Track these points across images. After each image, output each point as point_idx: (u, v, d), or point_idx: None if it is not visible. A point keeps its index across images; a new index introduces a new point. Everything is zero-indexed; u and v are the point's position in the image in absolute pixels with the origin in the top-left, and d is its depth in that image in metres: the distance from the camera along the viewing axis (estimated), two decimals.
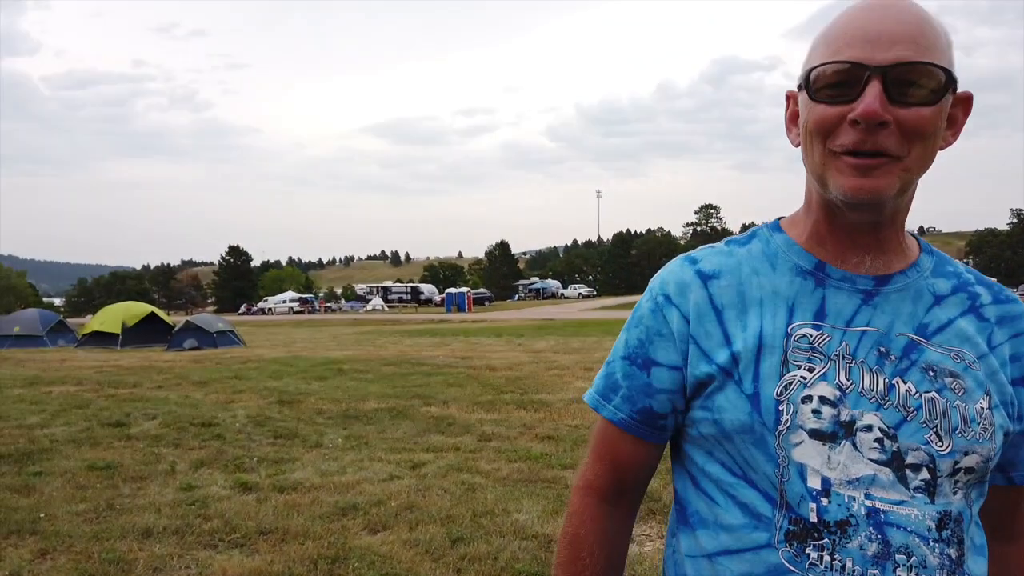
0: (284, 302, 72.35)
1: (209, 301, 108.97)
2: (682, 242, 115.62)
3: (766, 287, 0.94)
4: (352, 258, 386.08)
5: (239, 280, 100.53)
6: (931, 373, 0.89)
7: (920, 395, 0.87)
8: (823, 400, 0.87)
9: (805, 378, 0.88)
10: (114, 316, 21.38)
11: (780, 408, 0.88)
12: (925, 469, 0.85)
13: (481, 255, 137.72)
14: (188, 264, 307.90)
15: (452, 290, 63.52)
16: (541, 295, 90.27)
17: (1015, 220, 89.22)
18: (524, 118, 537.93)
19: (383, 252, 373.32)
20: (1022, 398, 0.94)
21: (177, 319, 24.69)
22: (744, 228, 1.04)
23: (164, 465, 6.15)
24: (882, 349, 0.89)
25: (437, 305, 69.70)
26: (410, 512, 4.84)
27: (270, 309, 70.30)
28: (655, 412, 0.99)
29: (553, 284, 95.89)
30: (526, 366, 13.17)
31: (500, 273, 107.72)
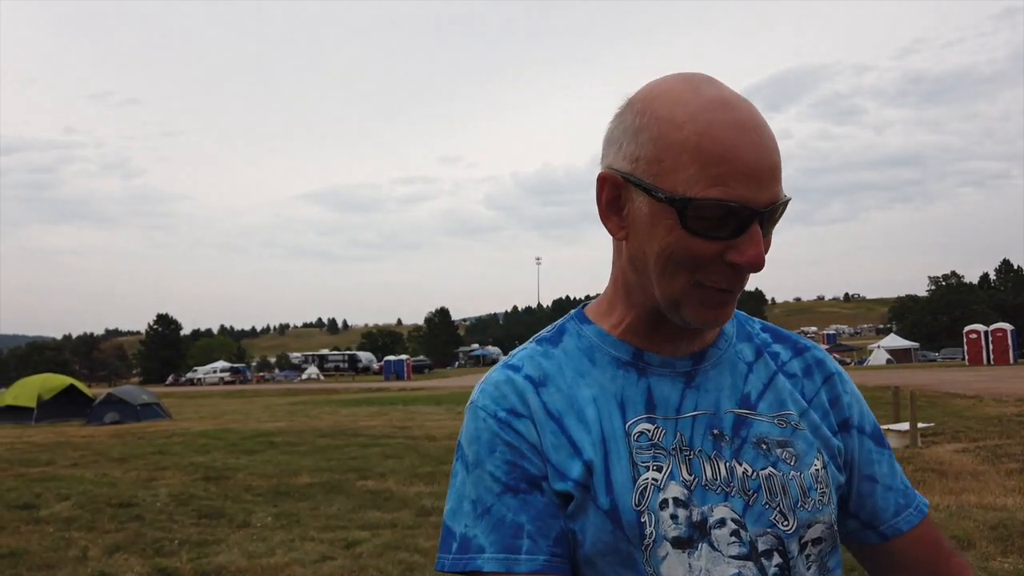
0: (214, 372, 70.11)
1: (134, 372, 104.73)
2: None
3: (593, 386, 0.86)
4: (287, 326, 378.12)
5: (167, 350, 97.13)
6: (763, 447, 0.84)
7: (757, 474, 0.82)
8: (677, 502, 0.79)
9: (657, 480, 0.80)
10: (29, 389, 20.38)
11: (642, 520, 0.78)
12: (776, 553, 0.80)
13: (420, 322, 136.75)
14: (113, 333, 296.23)
15: (391, 357, 62.68)
16: (481, 362, 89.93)
17: (933, 287, 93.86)
18: (462, 187, 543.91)
19: (320, 319, 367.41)
20: (848, 444, 0.91)
21: (98, 392, 23.64)
22: None
23: (75, 551, 5.71)
24: (715, 432, 0.84)
25: (375, 373, 68.44)
26: None
27: (199, 380, 67.92)
28: (565, 534, 0.82)
29: (493, 351, 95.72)
30: None
31: (440, 340, 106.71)
